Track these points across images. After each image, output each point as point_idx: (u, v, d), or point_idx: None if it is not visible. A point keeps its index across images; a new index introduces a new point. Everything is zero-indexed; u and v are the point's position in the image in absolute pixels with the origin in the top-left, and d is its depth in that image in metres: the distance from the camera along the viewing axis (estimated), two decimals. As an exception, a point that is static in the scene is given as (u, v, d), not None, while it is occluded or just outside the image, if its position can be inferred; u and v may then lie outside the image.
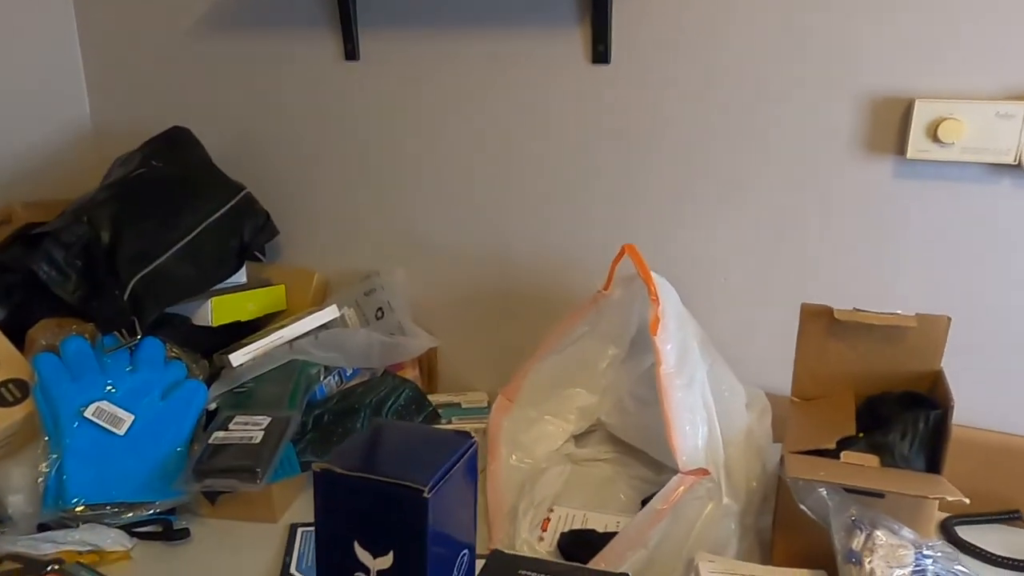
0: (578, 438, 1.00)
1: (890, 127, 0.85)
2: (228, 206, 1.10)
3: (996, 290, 0.86)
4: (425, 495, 0.45)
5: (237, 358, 0.99)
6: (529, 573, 0.54)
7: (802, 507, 0.64)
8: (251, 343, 1.02)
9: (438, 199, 1.12)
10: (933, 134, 0.81)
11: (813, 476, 0.63)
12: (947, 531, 0.80)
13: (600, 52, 0.96)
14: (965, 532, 0.80)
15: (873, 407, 0.74)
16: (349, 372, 1.06)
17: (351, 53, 1.10)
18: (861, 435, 0.71)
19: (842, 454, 0.68)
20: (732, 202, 0.95)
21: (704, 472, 0.71)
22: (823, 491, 0.64)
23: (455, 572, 0.51)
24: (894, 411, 0.71)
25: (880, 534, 0.58)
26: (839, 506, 0.62)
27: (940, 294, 0.87)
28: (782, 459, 0.69)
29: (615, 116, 0.98)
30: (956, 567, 0.57)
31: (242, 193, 1.13)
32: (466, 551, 0.52)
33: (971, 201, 0.84)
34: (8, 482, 0.81)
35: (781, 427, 0.84)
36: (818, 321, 0.77)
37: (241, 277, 1.13)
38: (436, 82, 1.06)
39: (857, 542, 0.58)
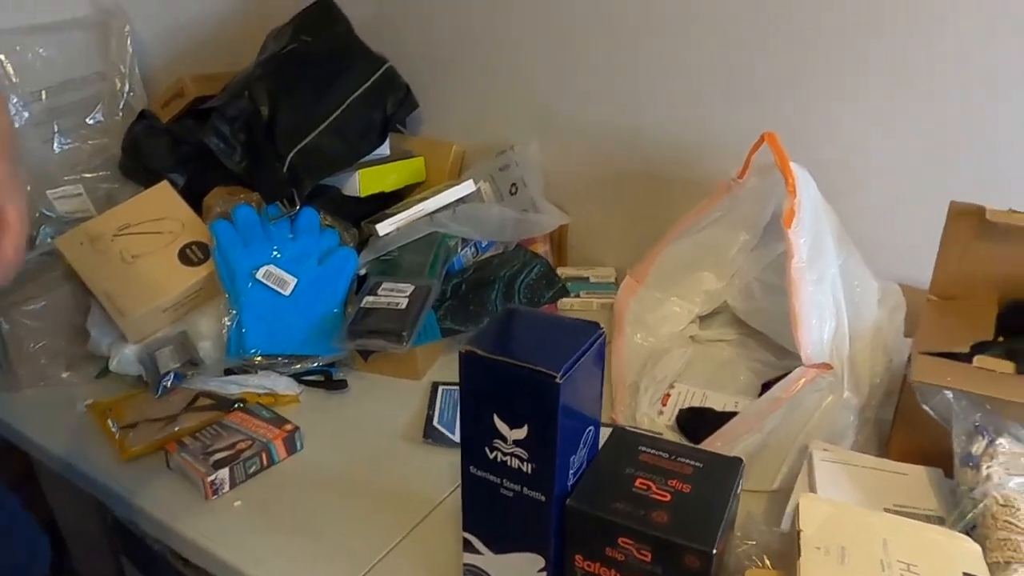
0: (703, 319, 1.02)
1: (1085, 2, 0.76)
2: (372, 80, 1.14)
3: None
4: (557, 380, 0.50)
5: (383, 228, 1.06)
6: (649, 450, 0.59)
7: (925, 407, 0.65)
8: (395, 214, 1.09)
9: (575, 75, 1.11)
10: None
11: (939, 381, 0.63)
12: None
13: (755, -84, 0.89)
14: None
15: (1017, 312, 0.72)
16: (484, 244, 1.12)
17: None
18: (1000, 340, 0.70)
19: (975, 359, 0.67)
20: (884, 84, 0.89)
21: (827, 367, 0.73)
22: (950, 395, 0.64)
23: (581, 445, 0.56)
24: (1039, 318, 0.69)
25: (1003, 441, 0.59)
26: (964, 410, 0.63)
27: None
28: (909, 358, 0.70)
29: (765, -11, 0.92)
30: (1079, 480, 0.57)
31: (385, 67, 1.16)
32: (591, 427, 0.58)
33: None
34: (198, 330, 0.94)
35: (914, 323, 0.82)
36: (967, 220, 0.73)
37: (384, 149, 1.19)
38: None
39: (977, 447, 0.59)
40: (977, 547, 0.52)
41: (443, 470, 0.80)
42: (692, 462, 0.58)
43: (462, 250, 1.09)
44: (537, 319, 0.58)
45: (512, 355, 0.52)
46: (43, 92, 1.11)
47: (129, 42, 1.15)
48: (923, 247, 0.81)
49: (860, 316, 0.80)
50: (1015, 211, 0.71)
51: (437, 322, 0.96)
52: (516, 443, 0.53)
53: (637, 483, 0.56)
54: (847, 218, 0.85)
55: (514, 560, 0.58)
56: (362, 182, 1.12)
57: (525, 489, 0.55)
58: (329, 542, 0.70)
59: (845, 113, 0.92)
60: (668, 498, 0.54)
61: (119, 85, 1.16)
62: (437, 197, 1.10)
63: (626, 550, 0.53)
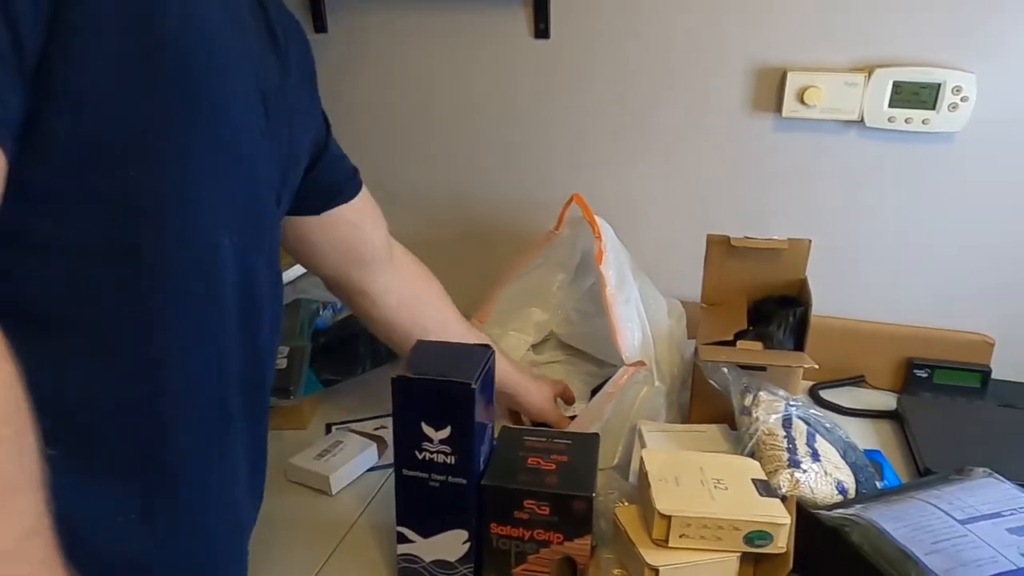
0: (535, 346, 1.24)
1: (770, 92, 1.10)
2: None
3: (846, 215, 1.14)
4: (473, 387, 0.68)
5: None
6: (531, 438, 0.79)
7: (711, 381, 0.91)
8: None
9: (404, 149, 1.31)
10: (801, 98, 1.06)
11: (718, 358, 0.89)
12: (813, 394, 1.10)
13: (541, 29, 1.16)
14: (826, 394, 1.10)
15: (758, 307, 1.02)
16: (339, 305, 1.26)
17: (320, 27, 1.25)
18: (750, 328, 0.99)
19: (737, 343, 0.95)
20: (650, 152, 1.19)
21: (642, 364, 0.97)
22: (725, 369, 0.91)
23: (485, 439, 0.74)
24: (773, 309, 0.99)
25: (763, 394, 0.85)
26: (736, 378, 0.89)
27: (805, 220, 1.14)
28: (696, 349, 0.96)
29: (554, 83, 1.19)
30: (811, 411, 0.85)
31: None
32: (490, 425, 0.76)
33: (829, 149, 1.10)
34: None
35: (693, 327, 1.11)
36: (719, 246, 1.02)
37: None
38: (401, 52, 1.24)
39: (748, 400, 0.85)
40: (757, 463, 0.77)
41: (348, 496, 0.93)
42: (564, 441, 0.78)
43: (323, 312, 1.22)
44: (441, 347, 0.75)
45: (434, 374, 0.69)
46: None
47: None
48: (691, 270, 1.10)
49: (657, 325, 1.05)
50: (749, 237, 1.00)
51: (316, 375, 1.09)
52: (441, 442, 0.70)
53: (529, 461, 0.75)
54: (636, 253, 1.12)
55: (443, 539, 0.74)
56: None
57: (450, 477, 0.71)
58: (265, 571, 0.81)
59: (629, 175, 1.21)
60: (554, 467, 0.74)
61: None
62: (293, 268, 1.23)
63: (530, 510, 0.72)
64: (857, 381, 1.14)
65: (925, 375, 1.10)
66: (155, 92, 0.49)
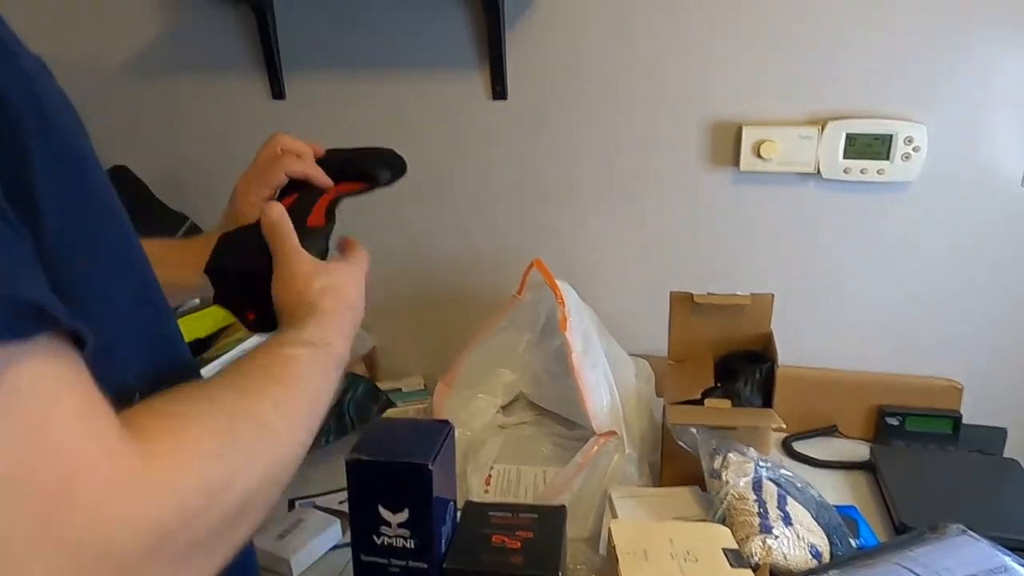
0: (505, 408, 1.22)
1: (727, 146, 1.11)
2: (180, 234, 1.23)
3: (809, 266, 1.14)
4: (429, 467, 0.65)
5: (208, 371, 1.14)
6: (497, 513, 0.76)
7: (680, 443, 0.89)
8: (215, 358, 1.17)
9: (367, 216, 1.29)
10: (757, 151, 1.07)
11: (687, 421, 0.88)
12: (787, 447, 1.08)
13: (498, 91, 1.16)
14: (799, 446, 1.09)
15: (725, 364, 1.00)
16: (304, 372, 1.23)
17: (278, 93, 1.24)
18: (718, 385, 0.97)
19: (705, 401, 0.93)
20: (613, 211, 1.19)
21: (613, 433, 0.95)
22: (694, 430, 0.89)
23: (447, 518, 0.72)
24: (739, 365, 0.98)
25: (732, 455, 0.84)
26: (704, 439, 0.87)
27: (767, 272, 1.14)
28: (664, 410, 0.94)
29: (514, 144, 1.19)
30: (781, 470, 0.83)
31: (187, 223, 1.26)
32: (452, 502, 0.73)
33: (788, 201, 1.11)
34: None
35: (661, 383, 1.09)
36: (683, 303, 1.02)
37: (194, 300, 1.26)
38: (358, 117, 1.23)
39: (717, 462, 0.84)
40: (728, 531, 0.75)
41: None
42: (530, 515, 0.76)
43: (286, 381, 1.19)
44: (397, 425, 0.73)
45: (389, 455, 0.66)
46: None
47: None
48: (658, 325, 1.09)
49: (625, 388, 1.04)
50: (711, 293, 1.00)
51: (278, 449, 1.05)
52: (399, 526, 0.67)
53: (494, 539, 0.72)
54: (602, 311, 1.11)
55: (406, 627, 0.71)
56: (183, 330, 1.19)
57: (410, 562, 0.68)
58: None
59: (592, 234, 1.20)
60: (519, 545, 0.71)
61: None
62: (253, 336, 1.20)
63: (495, 592, 0.69)
64: (830, 431, 1.12)
65: (897, 423, 1.09)
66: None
